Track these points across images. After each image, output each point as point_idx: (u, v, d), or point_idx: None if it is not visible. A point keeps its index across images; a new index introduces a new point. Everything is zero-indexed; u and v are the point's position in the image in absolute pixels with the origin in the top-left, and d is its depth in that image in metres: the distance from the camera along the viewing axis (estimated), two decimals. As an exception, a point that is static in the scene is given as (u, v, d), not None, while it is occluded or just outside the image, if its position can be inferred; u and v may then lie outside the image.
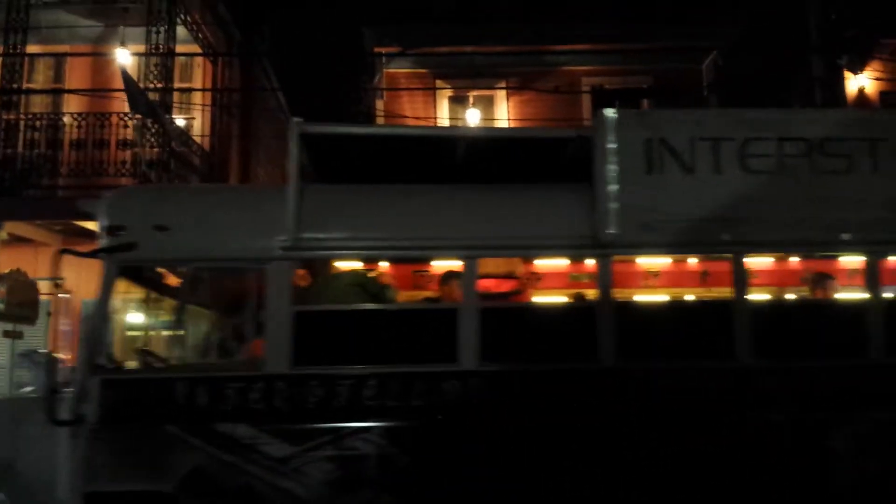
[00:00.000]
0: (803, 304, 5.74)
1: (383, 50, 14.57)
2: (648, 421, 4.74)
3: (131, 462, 4.59)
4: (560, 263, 6.42)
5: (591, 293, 5.57)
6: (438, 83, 14.95)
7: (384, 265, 6.14)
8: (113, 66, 12.43)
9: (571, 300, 6.27)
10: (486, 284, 5.23)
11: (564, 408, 4.75)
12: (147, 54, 12.22)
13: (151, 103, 11.09)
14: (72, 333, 11.90)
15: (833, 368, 4.82)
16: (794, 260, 6.55)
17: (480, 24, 14.47)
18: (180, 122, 13.23)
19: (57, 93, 12.88)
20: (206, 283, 5.80)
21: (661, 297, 6.64)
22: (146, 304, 5.77)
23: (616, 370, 4.79)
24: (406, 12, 14.82)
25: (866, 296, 4.97)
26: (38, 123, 11.74)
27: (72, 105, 12.53)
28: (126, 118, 11.87)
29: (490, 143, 5.39)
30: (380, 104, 14.73)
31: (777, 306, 5.54)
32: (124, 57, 12.37)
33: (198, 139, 13.48)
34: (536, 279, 6.74)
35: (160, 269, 5.42)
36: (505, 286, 5.32)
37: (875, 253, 4.96)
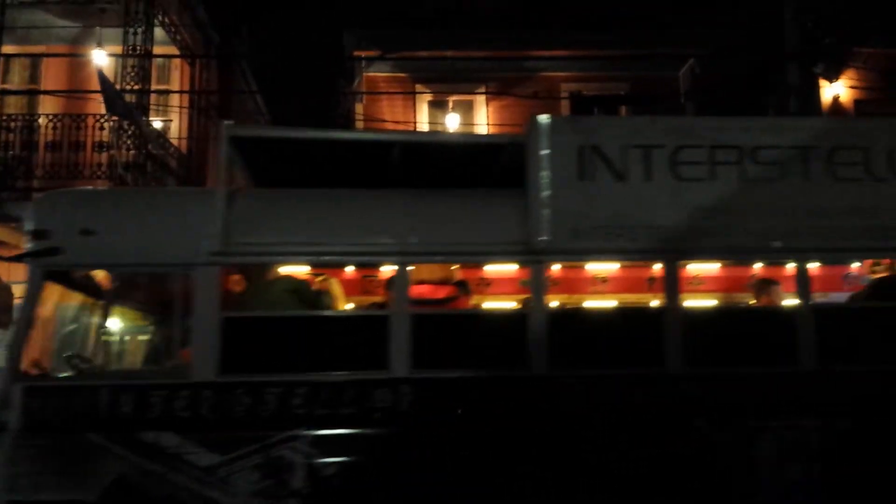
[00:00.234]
0: (734, 311, 5.73)
1: (362, 53, 14.59)
2: (580, 429, 4.70)
3: (54, 471, 4.51)
4: (509, 269, 6.39)
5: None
6: (418, 87, 14.95)
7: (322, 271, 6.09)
8: (89, 67, 12.37)
9: (520, 306, 6.23)
10: (421, 291, 5.19)
11: (496, 416, 4.71)
12: (124, 55, 12.21)
13: (128, 105, 11.07)
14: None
15: (762, 375, 4.79)
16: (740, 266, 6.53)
17: (460, 28, 14.49)
18: (157, 124, 13.22)
19: (32, 94, 12.84)
20: (136, 288, 5.75)
21: (606, 303, 6.61)
22: (79, 310, 5.72)
23: (548, 378, 4.75)
24: (386, 16, 14.82)
25: (796, 303, 4.95)
26: (12, 125, 11.67)
27: (47, 106, 12.50)
28: (102, 120, 11.85)
29: (426, 148, 5.36)
30: (359, 108, 14.74)
31: (707, 313, 5.52)
32: (101, 58, 12.31)
33: (175, 142, 13.46)
34: (486, 285, 6.72)
35: (90, 274, 5.36)
36: (441, 292, 5.27)
37: (804, 260, 4.94)
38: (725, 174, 4.86)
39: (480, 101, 15.04)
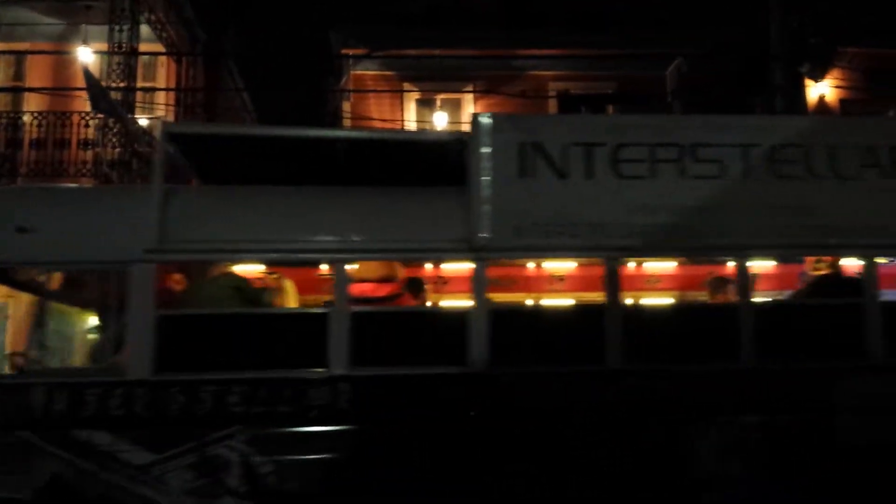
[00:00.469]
0: (676, 308, 5.68)
1: (350, 52, 14.57)
2: (519, 425, 4.64)
3: None
4: (466, 267, 6.34)
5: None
6: (405, 86, 14.92)
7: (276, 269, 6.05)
8: (75, 64, 12.42)
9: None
10: (363, 289, 5.15)
11: (435, 413, 4.67)
12: (110, 53, 12.24)
13: (114, 103, 11.04)
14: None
15: (703, 372, 4.74)
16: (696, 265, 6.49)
17: (448, 27, 14.44)
18: (143, 121, 13.23)
19: (17, 91, 12.91)
20: (78, 286, 5.73)
21: (560, 301, 6.56)
22: (25, 307, 5.71)
23: (488, 376, 4.70)
24: (373, 14, 14.78)
25: (737, 300, 4.92)
26: (-4, 122, 11.78)
27: (32, 104, 12.56)
28: (88, 118, 11.89)
29: (370, 145, 5.31)
30: (346, 106, 14.71)
31: (648, 311, 5.48)
32: (86, 55, 12.37)
33: (160, 139, 13.46)
34: (443, 283, 6.67)
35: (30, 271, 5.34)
36: (382, 290, 5.23)
37: (745, 258, 4.89)
38: (666, 172, 4.80)
39: (468, 99, 15.02)
